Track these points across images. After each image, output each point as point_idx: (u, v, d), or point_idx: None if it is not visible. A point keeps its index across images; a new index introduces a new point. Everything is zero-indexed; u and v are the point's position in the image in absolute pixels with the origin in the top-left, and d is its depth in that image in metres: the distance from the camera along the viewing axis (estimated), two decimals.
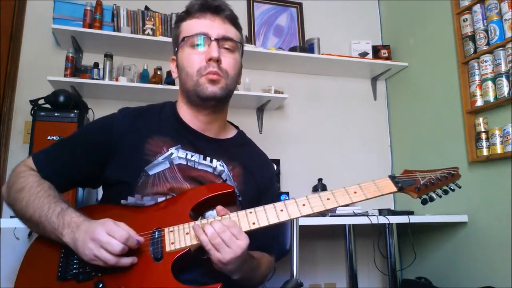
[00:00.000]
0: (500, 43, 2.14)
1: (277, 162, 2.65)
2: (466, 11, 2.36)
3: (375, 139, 3.10)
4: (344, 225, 2.60)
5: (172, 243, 0.90)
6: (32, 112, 2.08)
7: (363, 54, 2.98)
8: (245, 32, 2.77)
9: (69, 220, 0.89)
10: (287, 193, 2.55)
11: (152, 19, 2.59)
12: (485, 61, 2.22)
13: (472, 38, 2.32)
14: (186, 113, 1.10)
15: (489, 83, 2.19)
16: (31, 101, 2.13)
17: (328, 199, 0.92)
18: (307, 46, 2.93)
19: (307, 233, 2.64)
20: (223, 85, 1.03)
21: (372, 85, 3.19)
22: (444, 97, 2.55)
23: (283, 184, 2.75)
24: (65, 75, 2.35)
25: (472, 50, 2.31)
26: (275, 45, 2.96)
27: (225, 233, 0.85)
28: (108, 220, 0.88)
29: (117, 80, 2.43)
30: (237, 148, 1.14)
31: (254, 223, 0.90)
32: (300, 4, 3.13)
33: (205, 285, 0.87)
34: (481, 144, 2.20)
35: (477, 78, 2.27)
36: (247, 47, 2.33)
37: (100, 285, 0.87)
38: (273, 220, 0.91)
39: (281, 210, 0.91)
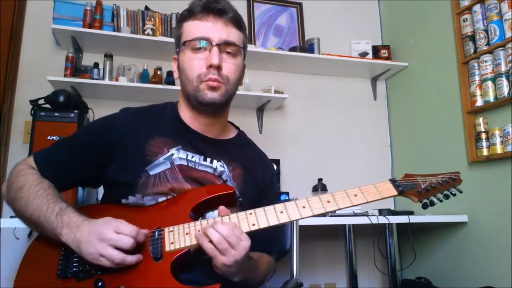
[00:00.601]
0: (500, 43, 2.14)
1: (277, 162, 2.65)
2: (466, 11, 2.36)
3: (375, 139, 3.10)
4: (344, 225, 2.60)
5: (172, 243, 0.90)
6: (32, 112, 2.08)
7: (363, 54, 2.98)
8: None
9: (68, 220, 0.89)
10: (287, 193, 2.55)
11: (152, 19, 2.59)
12: (485, 61, 2.22)
13: (472, 38, 2.32)
14: (186, 114, 1.10)
15: (489, 83, 2.19)
16: (31, 101, 2.13)
17: (328, 201, 0.92)
18: (307, 46, 2.93)
19: (307, 233, 2.64)
20: (223, 91, 1.03)
21: (372, 85, 3.19)
22: (444, 97, 2.55)
23: (283, 184, 2.75)
24: (65, 75, 2.35)
25: (472, 50, 2.31)
26: (275, 45, 2.96)
27: (232, 236, 0.85)
28: (110, 218, 0.88)
29: (117, 80, 2.43)
30: (238, 149, 1.14)
31: (254, 224, 0.90)
32: (300, 4, 3.13)
33: (205, 285, 0.87)
34: (481, 144, 2.21)
35: (477, 78, 2.27)
36: (248, 47, 2.32)
37: (100, 284, 0.87)
38: (273, 222, 0.91)
39: (281, 212, 0.91)
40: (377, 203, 2.41)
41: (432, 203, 0.95)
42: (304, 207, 0.92)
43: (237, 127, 1.22)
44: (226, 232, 0.84)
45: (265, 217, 0.91)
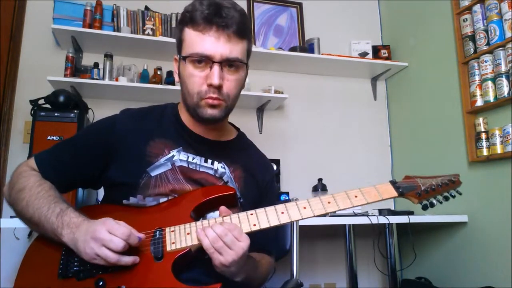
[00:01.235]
0: (500, 43, 2.14)
1: (277, 162, 2.65)
2: (466, 11, 2.36)
3: (375, 139, 3.10)
4: (344, 225, 2.60)
5: (173, 243, 0.90)
6: (32, 112, 2.08)
7: (363, 54, 2.98)
8: None
9: (68, 220, 0.90)
10: (287, 193, 2.55)
11: (152, 19, 2.59)
12: (485, 61, 2.22)
13: (472, 38, 2.32)
14: (187, 118, 1.09)
15: (489, 83, 2.19)
16: (31, 101, 2.13)
17: (329, 202, 0.92)
18: (307, 46, 2.93)
19: (307, 233, 2.64)
20: (223, 108, 1.01)
21: (372, 85, 3.19)
22: (444, 97, 2.55)
23: (283, 184, 2.76)
24: (65, 75, 2.35)
25: (472, 50, 2.31)
26: (275, 45, 2.96)
27: (227, 236, 0.85)
28: (108, 219, 0.88)
29: (117, 80, 2.43)
30: (238, 150, 1.14)
31: (255, 225, 0.91)
32: (300, 4, 3.13)
33: (206, 285, 0.87)
34: (481, 144, 2.21)
35: (477, 78, 2.27)
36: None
37: (101, 283, 0.87)
38: (274, 222, 0.91)
39: (282, 213, 0.92)
40: (377, 203, 2.43)
41: (432, 205, 0.96)
42: (305, 207, 0.92)
43: (237, 128, 1.22)
44: (221, 232, 0.85)
45: (266, 217, 0.92)
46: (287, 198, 2.51)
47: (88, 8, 2.43)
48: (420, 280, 2.44)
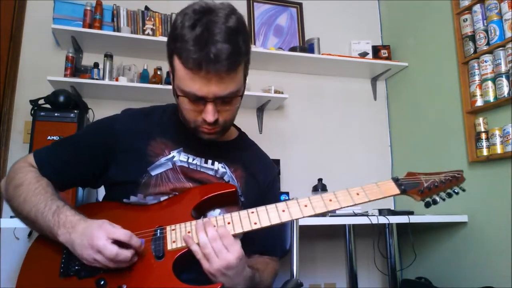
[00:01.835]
0: (500, 43, 2.14)
1: (277, 162, 2.65)
2: (466, 11, 2.36)
3: (375, 139, 3.10)
4: (344, 225, 2.60)
5: (174, 242, 0.90)
6: (32, 112, 2.08)
7: (363, 54, 2.98)
8: None
9: (64, 219, 0.89)
10: (287, 193, 2.55)
11: (152, 19, 2.59)
12: (485, 61, 2.22)
13: (472, 38, 2.32)
14: None
15: (489, 83, 2.19)
16: (31, 101, 2.13)
17: (330, 200, 0.91)
18: (307, 46, 2.93)
19: (307, 233, 2.64)
20: (220, 132, 1.00)
21: (372, 85, 3.19)
22: (444, 97, 2.55)
23: (283, 184, 2.75)
24: (65, 75, 2.35)
25: (472, 50, 2.31)
26: (275, 45, 2.96)
27: (216, 242, 0.84)
28: (105, 221, 0.87)
29: (117, 80, 2.43)
30: (239, 150, 1.14)
31: (255, 223, 0.90)
32: (300, 4, 3.13)
33: (206, 284, 0.87)
34: (481, 144, 2.21)
35: (477, 78, 2.27)
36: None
37: (102, 282, 0.87)
38: (275, 221, 0.90)
39: (283, 211, 0.91)
40: (377, 203, 2.41)
41: (435, 202, 0.93)
42: (306, 205, 0.91)
43: (238, 128, 1.22)
44: (212, 236, 0.84)
45: (267, 215, 0.91)
46: (287, 198, 2.51)
47: (88, 8, 2.43)
48: (420, 280, 2.43)
